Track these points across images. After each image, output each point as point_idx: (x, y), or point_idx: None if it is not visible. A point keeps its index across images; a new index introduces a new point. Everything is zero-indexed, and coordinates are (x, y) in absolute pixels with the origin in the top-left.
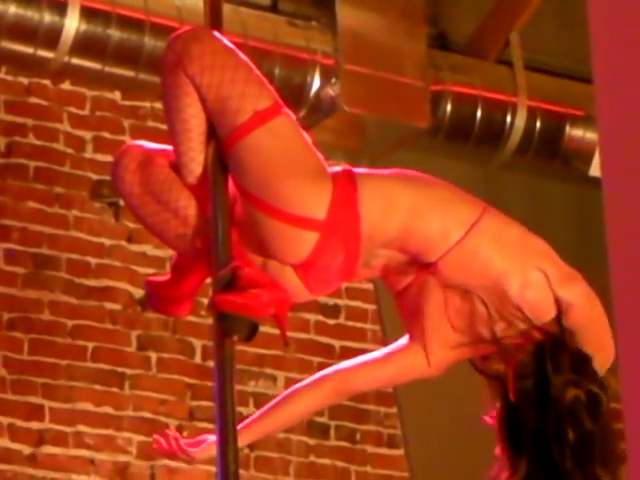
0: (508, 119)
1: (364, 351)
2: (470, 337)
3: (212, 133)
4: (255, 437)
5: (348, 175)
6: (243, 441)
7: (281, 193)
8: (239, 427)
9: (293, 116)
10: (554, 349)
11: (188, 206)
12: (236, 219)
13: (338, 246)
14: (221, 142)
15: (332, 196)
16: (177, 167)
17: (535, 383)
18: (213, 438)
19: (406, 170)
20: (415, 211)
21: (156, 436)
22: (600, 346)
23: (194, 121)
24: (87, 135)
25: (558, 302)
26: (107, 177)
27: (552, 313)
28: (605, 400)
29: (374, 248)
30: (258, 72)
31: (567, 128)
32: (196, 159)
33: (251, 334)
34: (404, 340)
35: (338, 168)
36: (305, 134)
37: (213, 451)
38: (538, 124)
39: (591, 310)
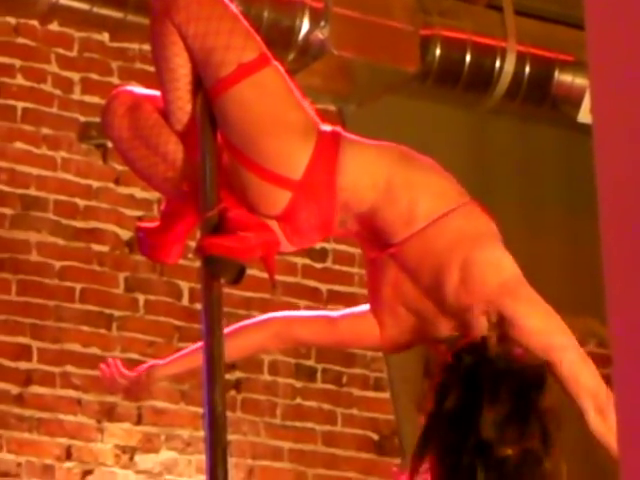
0: (497, 64)
1: (351, 295)
2: (417, 327)
3: (200, 82)
4: (190, 367)
5: (334, 138)
6: (177, 369)
7: (260, 148)
8: (176, 356)
9: (281, 68)
10: (493, 373)
11: (177, 150)
12: (223, 167)
13: (311, 207)
14: (207, 93)
15: (311, 157)
16: (165, 114)
17: (460, 407)
18: (152, 362)
19: (400, 146)
20: (388, 188)
21: (101, 365)
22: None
23: (181, 70)
24: (75, 76)
25: (487, 309)
26: (95, 119)
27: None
28: (546, 462)
29: (348, 213)
30: (245, 23)
31: (556, 73)
32: (184, 108)
33: (238, 277)
34: (365, 307)
35: (328, 128)
36: (294, 87)
37: (157, 375)
38: (527, 69)
39: (540, 325)
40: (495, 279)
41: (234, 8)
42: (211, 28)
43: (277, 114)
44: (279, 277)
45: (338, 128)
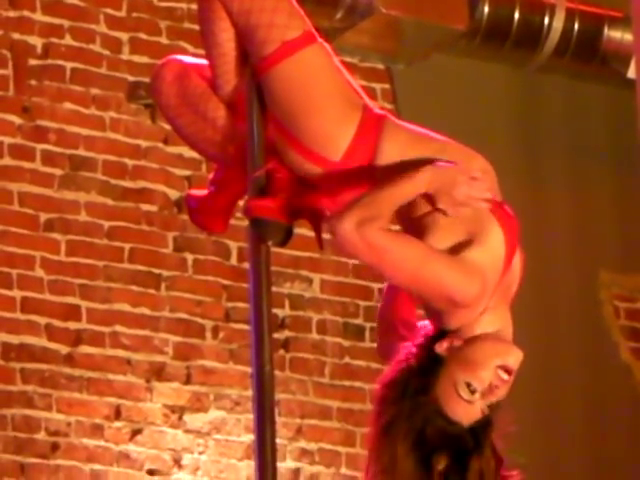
0: (546, 21)
1: None
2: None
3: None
4: None
5: (378, 121)
6: None
7: (302, 127)
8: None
9: (327, 46)
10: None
11: (225, 116)
12: (269, 135)
13: (350, 188)
14: (253, 69)
15: (352, 140)
16: (213, 84)
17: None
18: None
19: (445, 139)
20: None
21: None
22: None
23: (228, 45)
24: (124, 36)
25: None
26: (144, 79)
27: None
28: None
29: None
30: (292, 1)
31: (605, 29)
32: (231, 81)
33: (285, 239)
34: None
35: (375, 109)
36: (340, 65)
37: None
38: (576, 26)
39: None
40: None
41: None
42: (255, 6)
43: (319, 93)
44: (328, 236)
45: (384, 112)
